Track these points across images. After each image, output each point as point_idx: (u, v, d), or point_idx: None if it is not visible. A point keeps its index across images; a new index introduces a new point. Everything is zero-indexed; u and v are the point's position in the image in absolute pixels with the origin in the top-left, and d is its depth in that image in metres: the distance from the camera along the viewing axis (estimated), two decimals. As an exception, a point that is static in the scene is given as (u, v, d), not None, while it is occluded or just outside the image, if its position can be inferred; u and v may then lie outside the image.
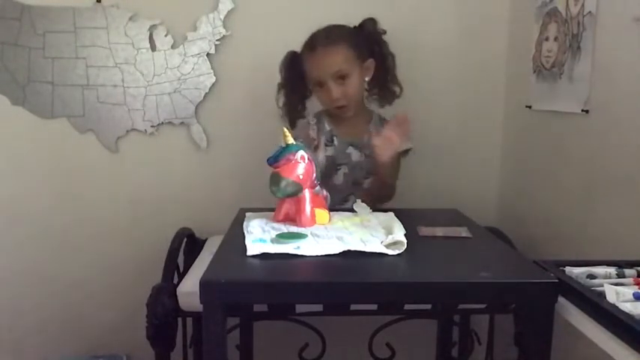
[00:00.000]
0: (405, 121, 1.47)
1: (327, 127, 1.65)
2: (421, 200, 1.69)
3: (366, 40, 1.62)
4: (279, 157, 1.23)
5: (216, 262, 1.06)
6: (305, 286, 1.01)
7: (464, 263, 1.12)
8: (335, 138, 1.64)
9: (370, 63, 1.62)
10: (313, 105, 1.71)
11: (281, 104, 1.69)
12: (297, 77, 1.64)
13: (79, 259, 1.91)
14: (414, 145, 1.62)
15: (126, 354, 1.93)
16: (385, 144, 1.46)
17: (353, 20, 1.64)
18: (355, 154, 1.64)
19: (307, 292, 1.00)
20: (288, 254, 1.07)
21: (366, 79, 1.63)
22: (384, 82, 1.66)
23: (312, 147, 1.57)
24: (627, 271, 0.97)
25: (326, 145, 1.62)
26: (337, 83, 1.56)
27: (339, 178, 1.63)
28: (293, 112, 1.69)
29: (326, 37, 1.58)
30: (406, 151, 1.64)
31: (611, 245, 1.31)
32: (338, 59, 1.55)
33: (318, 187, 1.33)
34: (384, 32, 1.64)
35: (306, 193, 1.25)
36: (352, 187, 1.64)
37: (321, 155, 1.57)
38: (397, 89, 1.66)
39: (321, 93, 1.60)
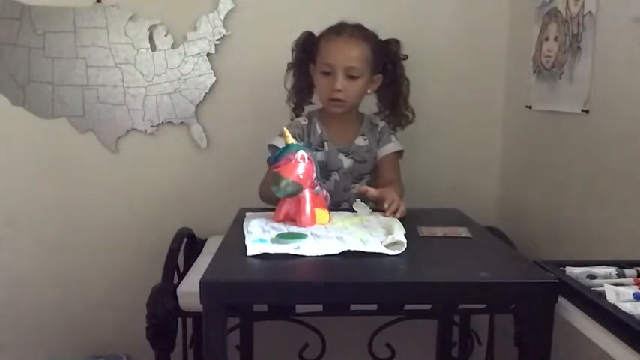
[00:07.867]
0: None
1: (318, 130, 1.62)
2: (421, 200, 1.68)
3: (385, 56, 1.61)
4: (279, 157, 1.23)
5: (216, 262, 1.06)
6: (305, 286, 1.01)
7: (464, 263, 1.12)
8: (326, 144, 1.62)
9: (378, 78, 1.61)
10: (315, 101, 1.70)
11: (289, 86, 1.67)
12: (308, 59, 1.62)
13: (78, 259, 1.90)
14: (414, 145, 1.62)
15: (126, 354, 1.93)
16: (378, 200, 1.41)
17: (353, 21, 1.64)
18: (346, 162, 1.62)
19: (307, 292, 1.00)
20: (288, 254, 1.07)
21: (369, 91, 1.62)
22: (397, 106, 1.65)
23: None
24: (627, 271, 0.97)
25: (316, 150, 1.59)
26: (345, 78, 1.54)
27: (330, 185, 1.60)
28: (300, 95, 1.66)
29: (356, 29, 1.56)
30: (400, 153, 1.64)
31: (611, 245, 1.31)
32: (358, 55, 1.54)
33: (318, 187, 1.33)
34: (406, 57, 1.63)
35: (306, 193, 1.25)
36: (342, 193, 1.61)
37: None
38: (410, 115, 1.66)
39: (323, 81, 1.56)
